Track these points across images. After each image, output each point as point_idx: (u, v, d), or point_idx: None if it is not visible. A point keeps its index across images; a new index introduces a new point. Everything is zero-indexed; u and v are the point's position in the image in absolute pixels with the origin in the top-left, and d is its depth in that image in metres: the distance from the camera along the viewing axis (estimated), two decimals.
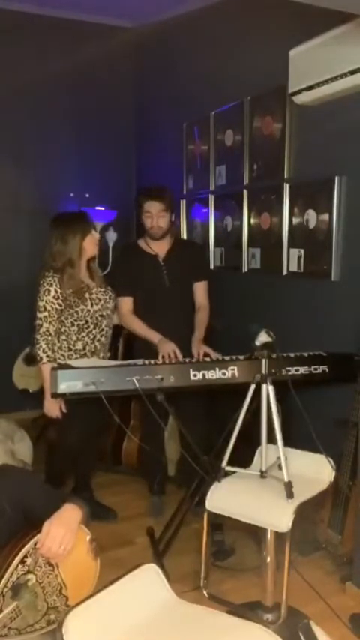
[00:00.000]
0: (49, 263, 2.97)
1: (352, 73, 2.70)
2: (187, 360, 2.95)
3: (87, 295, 3.00)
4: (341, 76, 2.76)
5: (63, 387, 2.57)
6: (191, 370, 2.70)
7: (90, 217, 3.14)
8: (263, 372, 2.22)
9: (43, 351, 2.90)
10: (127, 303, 3.26)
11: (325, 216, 3.12)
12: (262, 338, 2.25)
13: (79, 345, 3.01)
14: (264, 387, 2.21)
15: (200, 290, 3.38)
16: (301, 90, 3.02)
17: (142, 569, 1.74)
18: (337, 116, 3.02)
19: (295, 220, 3.34)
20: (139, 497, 3.49)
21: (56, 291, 2.91)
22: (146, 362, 2.78)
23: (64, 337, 2.98)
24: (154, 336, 3.13)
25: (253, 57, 3.60)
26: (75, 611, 1.53)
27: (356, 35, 2.63)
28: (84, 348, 3.02)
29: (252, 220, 3.72)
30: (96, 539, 2.05)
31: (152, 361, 2.83)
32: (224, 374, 2.72)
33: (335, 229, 3.06)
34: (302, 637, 2.16)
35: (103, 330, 3.08)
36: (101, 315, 3.06)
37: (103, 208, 4.49)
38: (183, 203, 4.40)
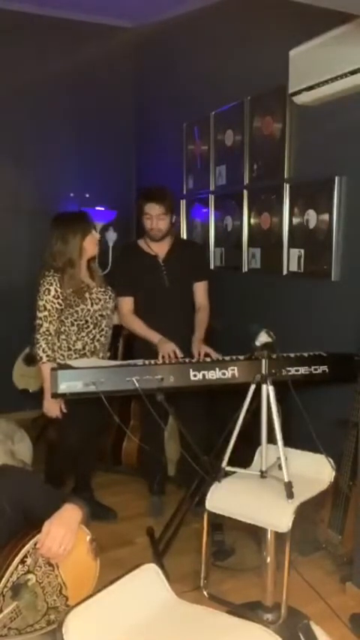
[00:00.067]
0: (49, 263, 2.98)
1: (352, 73, 2.70)
2: (187, 360, 2.94)
3: (87, 295, 3.00)
4: (341, 76, 2.76)
5: (63, 387, 2.57)
6: (191, 370, 2.70)
7: (90, 217, 3.14)
8: (263, 372, 2.22)
9: (43, 351, 2.90)
10: (127, 303, 3.26)
11: (325, 216, 3.12)
12: (262, 338, 2.25)
13: (79, 345, 3.01)
14: (264, 387, 2.21)
15: (200, 290, 3.38)
16: (301, 90, 3.02)
17: (142, 569, 1.74)
18: (337, 116, 3.02)
19: (295, 220, 3.34)
20: (139, 497, 3.49)
21: (56, 291, 2.92)
22: (146, 362, 2.78)
23: (63, 337, 2.98)
24: (154, 336, 3.13)
25: (253, 57, 3.60)
26: (75, 611, 1.53)
27: (356, 35, 2.63)
28: (83, 348, 3.02)
29: (252, 220, 3.72)
30: (96, 539, 2.05)
31: (152, 361, 2.83)
32: (224, 374, 2.72)
33: (335, 229, 3.06)
34: (302, 637, 2.16)
35: (102, 329, 3.08)
36: (101, 315, 3.06)
37: (103, 208, 4.49)
38: (183, 203, 4.40)
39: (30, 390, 4.29)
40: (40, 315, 2.92)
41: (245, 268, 3.80)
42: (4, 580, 1.83)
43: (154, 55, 4.77)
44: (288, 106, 3.29)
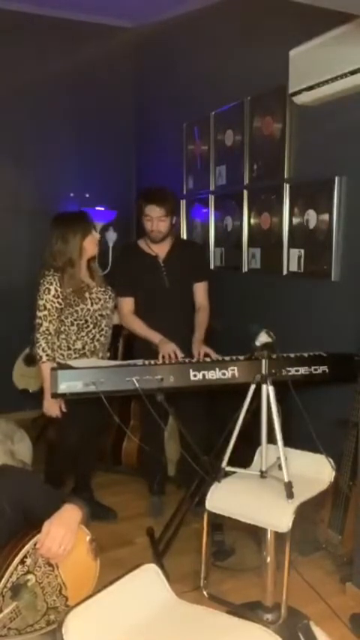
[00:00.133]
0: (49, 262, 2.98)
1: (352, 73, 2.70)
2: (187, 360, 2.94)
3: (87, 295, 3.00)
4: (341, 76, 2.76)
5: (63, 387, 2.57)
6: (191, 370, 2.70)
7: (90, 217, 3.14)
8: (263, 372, 2.22)
9: (43, 350, 2.90)
10: (127, 303, 3.26)
11: (325, 216, 3.12)
12: (262, 338, 2.25)
13: (79, 345, 3.01)
14: (264, 387, 2.21)
15: (200, 290, 3.38)
16: (301, 90, 3.02)
17: (142, 570, 1.74)
18: (337, 116, 3.02)
19: (295, 220, 3.34)
20: (139, 497, 3.49)
21: (56, 290, 2.92)
22: (146, 362, 2.79)
23: (63, 336, 2.99)
24: (155, 337, 3.13)
25: (253, 57, 3.60)
26: (75, 611, 1.53)
27: (356, 35, 2.63)
28: (83, 348, 3.02)
29: (252, 220, 3.72)
30: (96, 540, 2.05)
31: (152, 361, 2.83)
32: (224, 374, 2.72)
33: (335, 229, 3.06)
34: (302, 637, 2.16)
35: (102, 329, 3.08)
36: (101, 315, 3.06)
37: (103, 208, 4.49)
38: (183, 203, 4.40)
39: (30, 390, 4.29)
40: (39, 314, 2.92)
41: (245, 268, 3.79)
42: (3, 580, 1.83)
43: (154, 55, 4.77)
44: (288, 106, 3.29)
